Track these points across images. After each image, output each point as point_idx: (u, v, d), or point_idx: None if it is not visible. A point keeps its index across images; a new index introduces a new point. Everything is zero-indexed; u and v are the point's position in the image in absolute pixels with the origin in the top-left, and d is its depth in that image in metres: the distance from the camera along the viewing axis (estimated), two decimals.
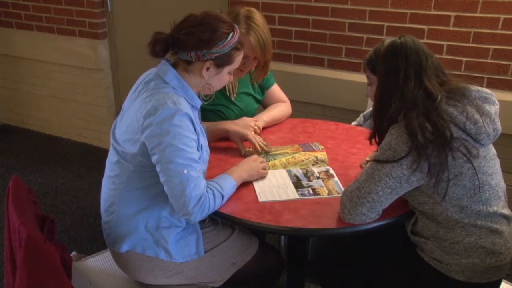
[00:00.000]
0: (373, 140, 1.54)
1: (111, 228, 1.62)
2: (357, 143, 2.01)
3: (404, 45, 1.43)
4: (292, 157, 1.84)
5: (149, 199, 1.55)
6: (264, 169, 1.73)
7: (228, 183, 1.57)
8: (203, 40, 1.47)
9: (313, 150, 1.90)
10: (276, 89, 2.25)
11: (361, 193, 1.42)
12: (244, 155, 1.87)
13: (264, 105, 2.27)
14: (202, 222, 1.68)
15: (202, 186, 1.47)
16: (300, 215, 1.51)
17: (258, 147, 1.87)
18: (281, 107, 2.23)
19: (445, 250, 1.46)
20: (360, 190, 1.42)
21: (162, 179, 1.46)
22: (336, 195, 1.61)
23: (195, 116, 1.55)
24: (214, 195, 1.50)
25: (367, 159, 1.74)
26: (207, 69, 1.53)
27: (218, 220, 1.69)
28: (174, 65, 1.55)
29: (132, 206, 1.56)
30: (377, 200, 1.41)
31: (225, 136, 1.94)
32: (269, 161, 1.81)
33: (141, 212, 1.56)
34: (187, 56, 1.50)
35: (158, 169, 1.46)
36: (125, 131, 1.52)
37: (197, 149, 1.49)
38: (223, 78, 1.59)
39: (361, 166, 1.75)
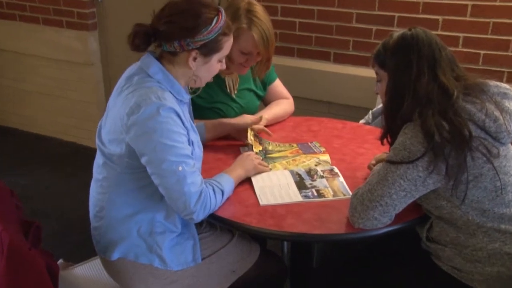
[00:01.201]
0: (384, 140, 1.54)
1: (101, 235, 1.63)
2: (365, 143, 2.02)
3: (415, 37, 1.44)
4: (293, 160, 1.85)
5: (141, 202, 1.56)
6: (261, 164, 1.75)
7: (226, 180, 1.59)
8: (185, 28, 1.46)
9: (314, 153, 1.91)
10: (278, 85, 2.25)
11: (373, 196, 1.42)
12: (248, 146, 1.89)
13: (265, 101, 2.27)
14: (199, 226, 1.69)
15: (200, 181, 1.48)
16: (304, 219, 1.51)
17: (260, 133, 1.90)
18: (283, 104, 2.24)
19: (466, 257, 1.45)
20: (372, 193, 1.42)
21: (156, 181, 1.46)
22: (342, 197, 1.61)
23: (184, 110, 1.55)
24: (214, 190, 1.51)
25: (373, 162, 1.74)
26: (194, 59, 1.52)
27: (216, 224, 1.69)
28: (159, 58, 1.55)
29: (123, 210, 1.57)
30: (391, 203, 1.41)
31: (227, 135, 1.95)
32: (268, 164, 1.81)
33: (133, 216, 1.56)
34: (171, 47, 1.49)
35: (150, 170, 1.46)
36: (109, 131, 1.52)
37: (188, 144, 1.50)
38: (213, 67, 1.57)
39: (369, 167, 1.75)
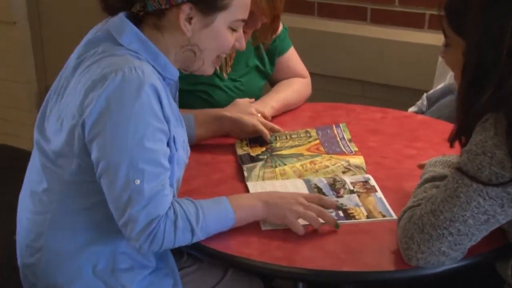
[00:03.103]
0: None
1: (37, 276, 1.63)
2: (416, 140, 2.05)
3: None
4: (311, 162, 1.89)
5: (99, 226, 1.57)
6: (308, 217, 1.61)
7: (217, 210, 1.55)
8: None
9: (342, 153, 1.94)
10: (292, 57, 2.29)
11: (439, 221, 1.40)
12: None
13: (271, 80, 2.31)
14: (179, 258, 1.71)
15: (161, 207, 1.46)
16: (327, 250, 1.54)
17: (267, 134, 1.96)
18: (296, 86, 2.28)
19: None
20: (437, 216, 1.41)
21: (103, 186, 1.47)
22: (381, 218, 1.64)
23: (168, 94, 1.56)
24: (175, 224, 1.48)
25: (424, 162, 1.73)
26: (189, 19, 1.53)
27: (203, 258, 1.72)
28: (140, 24, 1.57)
29: (72, 238, 1.58)
30: (465, 232, 1.40)
31: (224, 133, 2.01)
32: (275, 166, 1.86)
33: (87, 247, 1.57)
34: (154, 2, 1.51)
35: (97, 171, 1.47)
36: (58, 118, 1.54)
37: (168, 143, 1.51)
38: (220, 35, 1.58)
39: (419, 167, 1.75)
